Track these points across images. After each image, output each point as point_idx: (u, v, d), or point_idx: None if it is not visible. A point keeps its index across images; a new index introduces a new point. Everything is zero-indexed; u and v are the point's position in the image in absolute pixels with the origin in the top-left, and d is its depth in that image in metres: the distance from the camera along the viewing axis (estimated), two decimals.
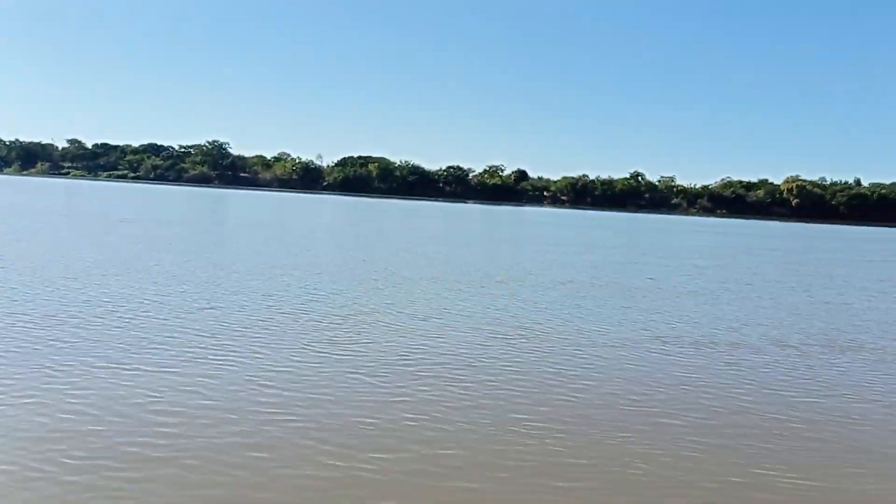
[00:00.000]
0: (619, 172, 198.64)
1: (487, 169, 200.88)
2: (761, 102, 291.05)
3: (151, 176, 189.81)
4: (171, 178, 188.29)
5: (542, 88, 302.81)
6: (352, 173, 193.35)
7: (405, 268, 25.52)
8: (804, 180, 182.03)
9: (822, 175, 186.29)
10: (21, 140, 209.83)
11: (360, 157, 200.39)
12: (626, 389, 11.04)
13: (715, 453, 8.58)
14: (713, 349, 14.43)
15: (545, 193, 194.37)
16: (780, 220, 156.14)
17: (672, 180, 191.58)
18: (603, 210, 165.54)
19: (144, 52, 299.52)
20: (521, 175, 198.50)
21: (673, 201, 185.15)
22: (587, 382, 11.30)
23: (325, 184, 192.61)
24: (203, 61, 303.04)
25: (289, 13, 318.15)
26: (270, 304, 16.31)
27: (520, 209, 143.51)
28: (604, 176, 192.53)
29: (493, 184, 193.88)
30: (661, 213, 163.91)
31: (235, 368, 10.73)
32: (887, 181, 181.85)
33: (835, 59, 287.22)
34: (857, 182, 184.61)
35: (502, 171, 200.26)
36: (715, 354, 13.95)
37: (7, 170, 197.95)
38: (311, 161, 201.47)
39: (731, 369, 12.82)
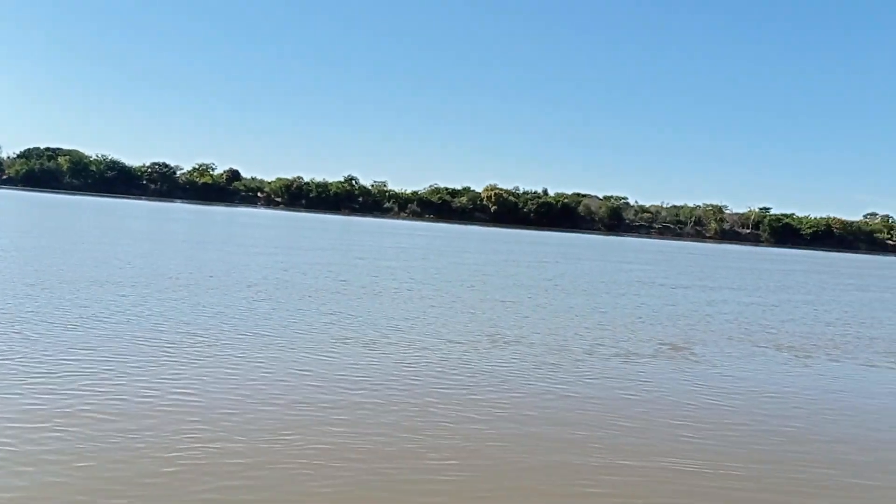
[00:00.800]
0: (334, 176, 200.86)
1: (197, 167, 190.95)
2: (464, 112, 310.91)
3: None
4: None
5: (251, 87, 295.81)
6: (38, 166, 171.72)
7: (70, 270, 22.92)
8: (501, 189, 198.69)
9: (516, 184, 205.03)
10: None
11: (47, 149, 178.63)
12: (290, 392, 10.80)
13: (392, 442, 8.74)
14: (389, 348, 14.79)
15: (259, 194, 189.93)
16: (481, 225, 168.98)
17: (384, 185, 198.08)
18: (318, 212, 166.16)
19: None
20: (234, 175, 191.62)
21: (385, 205, 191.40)
22: (253, 386, 10.85)
23: (4, 178, 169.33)
24: None
25: None
26: None
27: (231, 210, 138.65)
28: (319, 178, 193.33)
29: (204, 183, 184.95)
30: (374, 217, 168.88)
31: None
32: (569, 192, 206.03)
33: (526, 79, 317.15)
34: (545, 192, 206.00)
35: (213, 169, 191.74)
36: (390, 354, 14.30)
37: None
38: None
39: (406, 367, 13.25)
